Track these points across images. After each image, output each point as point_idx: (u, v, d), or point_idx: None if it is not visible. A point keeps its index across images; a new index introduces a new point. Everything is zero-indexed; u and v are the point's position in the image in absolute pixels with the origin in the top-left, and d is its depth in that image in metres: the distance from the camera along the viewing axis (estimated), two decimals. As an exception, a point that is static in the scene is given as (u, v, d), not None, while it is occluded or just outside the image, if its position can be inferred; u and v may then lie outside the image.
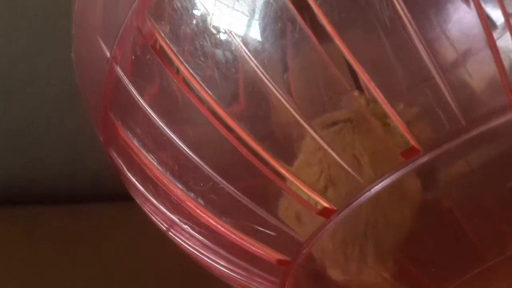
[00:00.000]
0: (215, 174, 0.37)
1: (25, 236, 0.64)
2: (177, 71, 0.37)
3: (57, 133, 0.72)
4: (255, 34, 0.35)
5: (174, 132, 0.38)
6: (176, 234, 0.42)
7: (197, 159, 0.37)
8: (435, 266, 0.37)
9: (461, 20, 0.34)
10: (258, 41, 0.35)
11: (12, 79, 0.71)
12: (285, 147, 0.36)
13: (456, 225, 0.37)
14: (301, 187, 0.36)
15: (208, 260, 0.41)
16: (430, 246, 0.37)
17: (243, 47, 0.34)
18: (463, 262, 0.37)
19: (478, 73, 0.34)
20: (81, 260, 0.60)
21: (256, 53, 0.34)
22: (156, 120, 0.38)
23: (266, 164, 0.36)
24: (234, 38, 0.35)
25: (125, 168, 0.42)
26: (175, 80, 0.37)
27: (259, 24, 0.35)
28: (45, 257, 0.60)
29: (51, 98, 0.72)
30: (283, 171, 0.36)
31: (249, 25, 0.35)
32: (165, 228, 0.43)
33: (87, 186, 0.73)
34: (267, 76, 0.34)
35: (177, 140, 0.37)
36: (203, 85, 0.36)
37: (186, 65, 0.36)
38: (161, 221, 0.42)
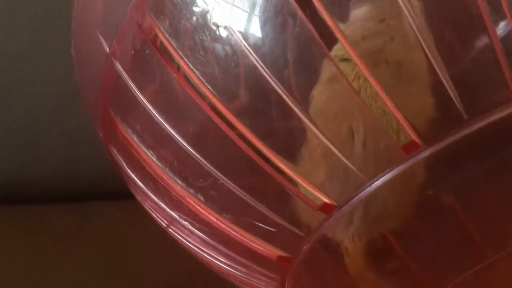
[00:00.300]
0: (215, 170, 0.36)
1: (26, 235, 0.64)
2: (178, 67, 0.37)
3: (57, 132, 0.71)
4: (255, 29, 0.35)
5: (173, 128, 0.37)
6: (176, 230, 0.42)
7: (196, 155, 0.37)
8: (436, 263, 0.37)
9: (463, 15, 0.34)
10: (258, 36, 0.35)
11: (12, 79, 0.71)
12: (287, 142, 0.36)
13: (457, 222, 0.36)
14: (301, 182, 0.35)
15: (208, 257, 0.41)
16: (431, 243, 0.37)
17: (243, 41, 0.34)
18: (464, 259, 0.37)
19: (480, 67, 0.34)
20: (81, 259, 0.60)
21: (256, 47, 0.34)
22: (156, 116, 0.38)
23: (267, 160, 0.36)
24: (234, 33, 0.34)
25: (125, 165, 0.42)
26: (175, 75, 0.37)
27: (259, 18, 0.35)
28: (45, 256, 0.60)
29: (51, 97, 0.72)
30: (283, 167, 0.35)
31: (249, 20, 0.35)
32: (165, 225, 0.42)
33: (87, 184, 0.72)
34: (267, 71, 0.34)
35: (176, 136, 0.37)
36: (203, 80, 0.36)
37: (186, 60, 0.36)
38: (161, 218, 0.42)
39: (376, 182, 0.34)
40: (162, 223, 0.42)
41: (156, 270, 0.58)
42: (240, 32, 0.34)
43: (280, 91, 0.34)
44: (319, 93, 0.36)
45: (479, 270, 0.36)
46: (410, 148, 0.33)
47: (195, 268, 0.45)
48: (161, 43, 0.37)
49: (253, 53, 0.34)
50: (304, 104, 0.34)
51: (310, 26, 0.33)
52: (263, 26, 0.34)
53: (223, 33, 0.35)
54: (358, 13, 0.36)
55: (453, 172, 0.35)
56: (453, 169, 0.35)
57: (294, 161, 0.36)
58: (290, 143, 0.36)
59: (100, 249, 0.62)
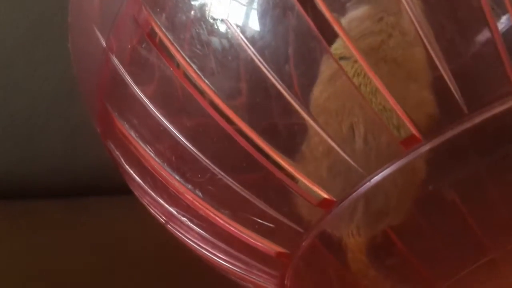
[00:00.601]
0: (213, 165, 0.36)
1: (25, 230, 0.64)
2: (175, 61, 0.36)
3: (56, 127, 0.71)
4: (253, 22, 0.35)
5: (171, 122, 0.37)
6: (175, 226, 0.41)
7: (194, 150, 0.36)
8: (437, 258, 0.37)
9: (465, 9, 0.34)
10: (256, 29, 0.34)
11: (10, 74, 0.71)
12: (286, 138, 0.36)
13: (458, 216, 0.36)
14: (301, 178, 0.35)
15: (207, 253, 0.41)
16: (431, 238, 0.37)
17: (241, 35, 0.34)
18: (465, 255, 0.37)
19: (481, 61, 0.33)
20: (81, 254, 0.60)
21: (254, 41, 0.34)
22: (153, 111, 0.37)
23: (266, 155, 0.35)
24: (232, 26, 0.34)
25: (123, 160, 0.42)
26: (171, 69, 0.36)
27: (257, 11, 0.34)
28: (44, 251, 0.60)
29: (49, 92, 0.71)
30: (282, 162, 0.35)
31: (247, 13, 0.35)
32: (163, 221, 0.42)
33: (87, 179, 0.72)
34: (265, 64, 0.34)
35: (174, 131, 0.37)
36: (200, 74, 0.35)
37: (182, 53, 0.35)
38: (160, 214, 0.42)
39: (375, 177, 0.34)
40: (161, 219, 0.42)
41: (156, 265, 0.58)
42: (238, 26, 0.34)
43: (278, 85, 0.34)
44: (319, 91, 0.35)
45: (479, 266, 0.36)
46: (410, 142, 0.33)
47: (195, 263, 0.45)
48: (158, 36, 0.37)
49: (251, 47, 0.34)
50: (304, 98, 0.34)
51: (307, 19, 0.33)
52: (261, 19, 0.34)
53: (221, 26, 0.35)
54: (356, 13, 0.36)
55: (454, 166, 0.35)
56: (454, 163, 0.35)
57: (293, 157, 0.35)
58: (290, 138, 0.35)
59: (100, 244, 0.61)
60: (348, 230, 0.36)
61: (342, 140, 0.35)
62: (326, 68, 0.35)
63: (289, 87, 0.34)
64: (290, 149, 0.35)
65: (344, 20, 0.36)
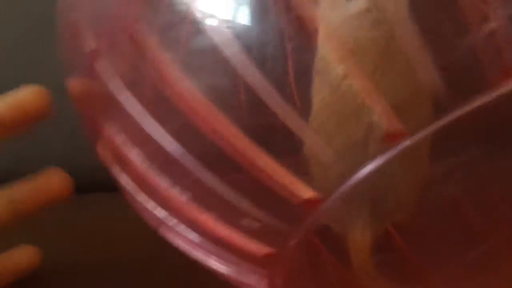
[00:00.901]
0: (200, 167, 0.36)
1: (25, 227, 0.64)
2: (163, 62, 0.36)
3: (56, 124, 0.71)
4: (241, 19, 0.35)
5: (157, 123, 0.37)
6: (166, 230, 0.41)
7: (180, 152, 0.36)
8: (433, 248, 0.37)
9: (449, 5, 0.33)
10: (244, 26, 0.34)
11: (10, 73, 0.71)
12: (270, 136, 0.35)
13: (457, 212, 0.36)
14: (286, 175, 0.35)
15: (198, 255, 0.40)
16: (427, 229, 0.37)
17: (228, 32, 0.34)
18: (464, 251, 0.36)
19: (469, 52, 0.33)
20: (81, 251, 0.60)
21: (241, 38, 0.34)
22: (140, 114, 0.37)
23: (252, 154, 0.35)
24: (219, 23, 0.34)
25: (111, 164, 0.42)
26: (160, 70, 0.36)
27: (248, 9, 0.34)
28: (44, 251, 0.60)
29: (49, 92, 0.71)
30: (268, 160, 0.35)
31: (235, 10, 0.35)
32: (154, 225, 0.42)
33: (86, 177, 0.72)
34: (251, 62, 0.34)
35: (160, 133, 0.37)
36: (188, 73, 0.35)
37: (169, 54, 0.35)
38: (150, 218, 0.42)
39: (358, 175, 0.33)
40: (152, 223, 0.42)
41: (156, 264, 0.58)
42: (228, 23, 0.34)
43: (263, 83, 0.34)
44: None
45: (476, 261, 0.36)
46: (394, 137, 0.33)
47: (194, 263, 0.45)
48: (145, 37, 0.37)
49: (238, 44, 0.34)
50: (283, 94, 0.34)
51: (306, 16, 0.33)
52: (251, 16, 0.34)
53: (210, 24, 0.35)
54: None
55: (444, 158, 0.35)
56: (442, 156, 0.34)
57: (278, 155, 0.35)
58: (274, 136, 0.35)
59: (100, 244, 0.62)
60: (335, 228, 0.36)
61: (328, 138, 0.34)
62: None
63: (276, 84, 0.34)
64: (275, 146, 0.35)
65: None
